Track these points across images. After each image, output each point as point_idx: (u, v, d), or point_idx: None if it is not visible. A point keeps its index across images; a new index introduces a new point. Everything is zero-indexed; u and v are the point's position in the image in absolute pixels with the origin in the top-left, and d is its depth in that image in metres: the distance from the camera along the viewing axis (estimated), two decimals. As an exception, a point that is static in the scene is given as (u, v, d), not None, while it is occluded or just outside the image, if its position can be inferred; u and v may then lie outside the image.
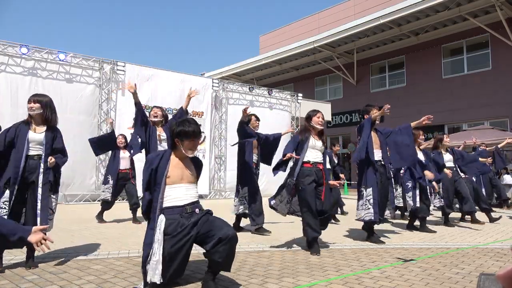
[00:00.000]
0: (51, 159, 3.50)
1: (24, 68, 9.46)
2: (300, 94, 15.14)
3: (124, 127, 10.76)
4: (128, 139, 6.46)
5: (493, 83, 14.80)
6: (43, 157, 3.49)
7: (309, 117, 4.50)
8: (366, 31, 16.82)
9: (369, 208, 4.62)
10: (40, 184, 3.42)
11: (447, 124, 16.28)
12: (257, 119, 5.80)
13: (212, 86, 12.64)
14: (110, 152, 7.11)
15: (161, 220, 2.69)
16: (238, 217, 5.70)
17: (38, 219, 3.34)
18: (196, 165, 3.01)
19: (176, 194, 2.80)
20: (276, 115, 14.15)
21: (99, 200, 7.75)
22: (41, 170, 3.46)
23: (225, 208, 9.34)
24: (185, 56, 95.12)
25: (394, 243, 4.81)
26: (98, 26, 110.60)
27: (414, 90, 17.19)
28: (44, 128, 3.58)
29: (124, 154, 6.55)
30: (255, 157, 5.73)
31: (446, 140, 6.82)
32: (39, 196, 3.39)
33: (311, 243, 4.09)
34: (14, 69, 9.34)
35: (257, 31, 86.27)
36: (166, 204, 2.76)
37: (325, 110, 16.76)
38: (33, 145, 3.49)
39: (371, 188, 4.64)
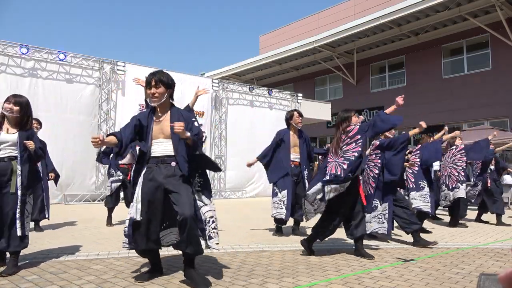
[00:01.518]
0: (30, 143, 3.31)
1: (24, 69, 9.47)
2: (300, 94, 15.14)
3: (124, 127, 10.77)
4: None
5: (493, 83, 14.79)
6: (18, 158, 3.29)
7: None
8: (366, 31, 16.82)
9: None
10: (19, 187, 3.23)
11: (447, 124, 16.21)
12: (300, 115, 5.45)
13: (212, 86, 12.64)
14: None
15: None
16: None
17: (18, 222, 3.18)
18: (183, 119, 2.97)
19: (154, 147, 2.99)
20: (276, 115, 14.16)
21: (101, 200, 7.74)
22: (19, 172, 3.25)
23: (225, 208, 9.34)
24: (185, 56, 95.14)
25: (394, 243, 4.81)
26: (98, 26, 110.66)
27: (414, 90, 17.18)
28: (16, 130, 3.37)
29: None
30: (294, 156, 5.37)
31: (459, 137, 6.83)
32: (18, 200, 3.22)
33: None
34: (14, 70, 9.34)
35: (257, 31, 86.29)
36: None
37: (325, 110, 16.79)
38: (5, 146, 3.30)
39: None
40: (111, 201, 6.17)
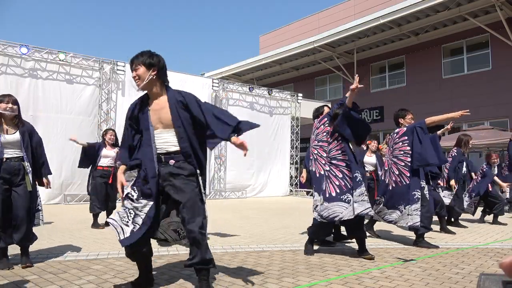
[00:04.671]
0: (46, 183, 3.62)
1: (24, 69, 9.47)
2: (300, 94, 15.13)
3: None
4: (120, 137, 6.23)
5: (493, 83, 14.78)
6: (25, 157, 3.41)
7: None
8: (366, 31, 16.81)
9: None
10: (30, 184, 3.41)
11: (447, 124, 16.28)
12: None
13: (212, 86, 12.64)
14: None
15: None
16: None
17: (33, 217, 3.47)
18: (185, 100, 2.67)
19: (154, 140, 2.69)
20: (277, 115, 14.17)
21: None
22: (29, 170, 3.41)
23: (225, 208, 9.34)
24: (185, 56, 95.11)
25: (394, 243, 4.81)
26: (98, 26, 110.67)
27: (414, 90, 17.18)
28: (14, 129, 3.42)
29: (108, 152, 6.14)
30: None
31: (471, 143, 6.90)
32: (32, 196, 3.46)
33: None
34: (14, 70, 9.34)
35: (257, 31, 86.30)
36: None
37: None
38: (11, 147, 3.37)
39: None
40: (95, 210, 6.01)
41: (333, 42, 18.12)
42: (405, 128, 4.73)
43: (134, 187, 2.66)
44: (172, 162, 2.64)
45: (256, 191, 13.43)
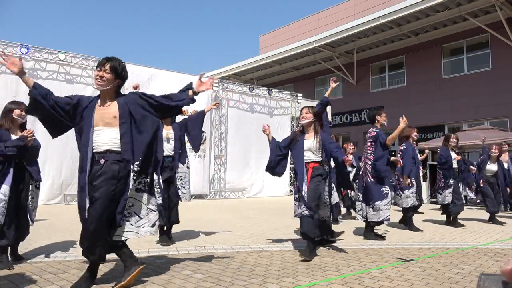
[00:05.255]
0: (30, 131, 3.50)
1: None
2: (300, 94, 15.13)
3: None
4: None
5: (493, 83, 14.78)
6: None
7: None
8: (366, 31, 16.81)
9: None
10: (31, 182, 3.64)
11: (447, 124, 16.26)
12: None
13: (212, 86, 12.62)
14: None
15: None
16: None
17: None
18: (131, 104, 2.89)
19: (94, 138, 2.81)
20: (277, 116, 14.17)
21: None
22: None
23: (226, 208, 9.34)
24: (185, 56, 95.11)
25: (394, 243, 4.81)
26: (98, 26, 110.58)
27: (414, 90, 17.17)
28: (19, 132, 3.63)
29: None
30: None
31: (453, 140, 6.82)
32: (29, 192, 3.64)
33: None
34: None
35: (257, 31, 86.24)
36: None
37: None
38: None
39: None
40: None
41: (333, 42, 18.11)
42: (374, 132, 5.08)
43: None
44: (102, 161, 2.76)
45: (256, 191, 13.43)
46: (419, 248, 4.49)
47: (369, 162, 5.03)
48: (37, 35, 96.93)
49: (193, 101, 3.17)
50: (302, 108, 4.38)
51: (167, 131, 4.72)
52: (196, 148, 4.96)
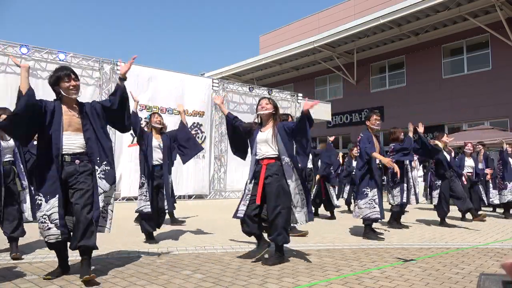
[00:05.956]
0: None
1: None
2: (300, 94, 15.13)
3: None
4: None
5: (493, 83, 14.79)
6: (16, 161, 3.95)
7: None
8: (366, 31, 16.81)
9: (374, 207, 5.03)
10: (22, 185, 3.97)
11: (447, 124, 16.27)
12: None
13: (212, 86, 12.64)
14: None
15: None
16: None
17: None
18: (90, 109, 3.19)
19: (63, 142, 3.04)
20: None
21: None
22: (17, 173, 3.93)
23: (225, 208, 9.34)
24: (185, 56, 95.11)
25: (394, 243, 4.81)
26: (98, 26, 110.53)
27: (414, 90, 17.18)
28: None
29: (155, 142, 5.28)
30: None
31: (445, 139, 6.84)
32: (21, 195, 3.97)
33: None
34: (14, 69, 9.34)
35: (257, 31, 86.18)
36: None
37: (325, 110, 16.78)
38: (7, 152, 3.89)
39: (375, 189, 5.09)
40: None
41: (333, 42, 18.12)
42: (359, 137, 5.21)
43: None
44: (77, 162, 3.03)
45: (256, 191, 13.41)
46: (419, 248, 4.49)
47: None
48: (37, 35, 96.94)
49: (122, 82, 3.42)
50: (261, 99, 4.01)
51: (158, 141, 4.86)
52: (184, 160, 5.08)
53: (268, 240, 3.78)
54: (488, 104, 14.74)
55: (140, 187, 4.73)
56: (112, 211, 3.24)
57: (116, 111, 3.24)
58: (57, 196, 2.92)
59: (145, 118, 5.65)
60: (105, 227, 3.18)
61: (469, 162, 7.90)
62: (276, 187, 3.61)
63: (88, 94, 10.34)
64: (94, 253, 3.95)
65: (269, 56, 20.56)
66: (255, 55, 22.43)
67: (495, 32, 14.47)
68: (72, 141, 3.03)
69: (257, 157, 3.77)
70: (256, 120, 4.01)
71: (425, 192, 7.73)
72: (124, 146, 10.58)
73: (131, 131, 4.87)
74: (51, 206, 2.91)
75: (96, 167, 3.09)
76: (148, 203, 4.58)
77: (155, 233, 4.77)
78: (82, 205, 2.92)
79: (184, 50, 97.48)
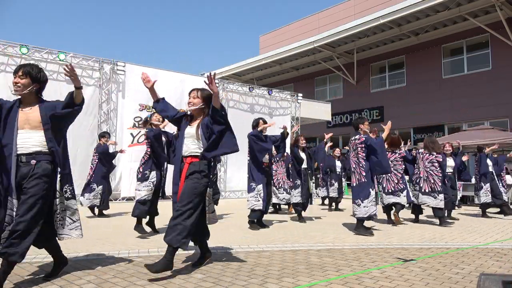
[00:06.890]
0: None
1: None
2: (300, 94, 15.12)
3: (124, 129, 10.77)
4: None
5: (493, 83, 14.79)
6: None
7: None
8: (366, 31, 16.82)
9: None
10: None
11: (447, 124, 16.28)
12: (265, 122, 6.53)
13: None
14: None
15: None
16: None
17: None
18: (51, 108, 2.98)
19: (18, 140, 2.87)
20: (277, 116, 14.16)
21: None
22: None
23: (225, 208, 9.34)
24: (185, 56, 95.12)
25: (394, 243, 4.81)
26: (98, 26, 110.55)
27: (414, 90, 17.19)
28: None
29: None
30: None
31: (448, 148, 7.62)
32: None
33: None
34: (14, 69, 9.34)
35: (257, 31, 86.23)
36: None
37: (325, 110, 16.79)
38: None
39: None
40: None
41: (333, 42, 18.12)
42: (363, 138, 5.52)
43: None
44: (33, 162, 2.85)
45: (256, 191, 13.42)
46: (419, 248, 4.49)
47: (361, 165, 5.43)
48: (37, 35, 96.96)
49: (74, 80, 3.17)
50: (191, 91, 3.51)
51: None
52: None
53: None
54: (488, 104, 14.75)
55: (146, 179, 5.13)
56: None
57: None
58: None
59: (146, 117, 5.82)
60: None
61: (450, 162, 7.97)
62: (193, 188, 3.28)
63: (88, 94, 10.35)
64: (95, 253, 3.96)
65: (269, 56, 20.57)
66: (255, 55, 22.46)
67: (495, 32, 14.48)
68: (27, 139, 2.88)
69: (182, 154, 3.42)
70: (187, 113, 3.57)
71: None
72: (124, 146, 10.58)
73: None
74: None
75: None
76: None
77: (158, 235, 4.80)
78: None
79: (184, 50, 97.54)
